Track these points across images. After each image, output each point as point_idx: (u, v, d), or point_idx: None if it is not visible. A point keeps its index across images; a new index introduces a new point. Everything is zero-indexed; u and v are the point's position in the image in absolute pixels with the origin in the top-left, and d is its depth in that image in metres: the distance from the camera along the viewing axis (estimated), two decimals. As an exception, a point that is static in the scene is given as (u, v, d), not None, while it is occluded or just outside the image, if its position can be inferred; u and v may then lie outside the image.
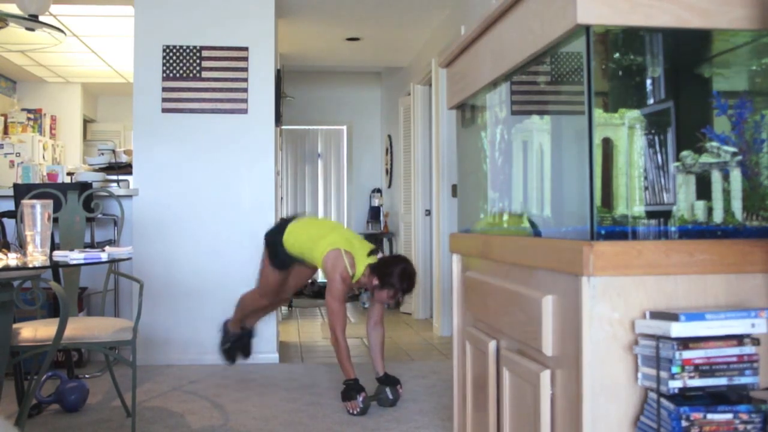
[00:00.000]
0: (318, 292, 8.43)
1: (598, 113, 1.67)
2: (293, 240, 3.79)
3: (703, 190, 1.71)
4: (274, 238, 3.86)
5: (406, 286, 3.61)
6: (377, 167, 9.29)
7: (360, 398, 3.57)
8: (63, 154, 9.04)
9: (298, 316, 7.31)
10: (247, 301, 4.15)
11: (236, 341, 4.23)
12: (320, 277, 8.07)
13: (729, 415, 1.43)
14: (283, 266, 3.90)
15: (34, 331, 3.05)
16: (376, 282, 3.62)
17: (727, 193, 1.69)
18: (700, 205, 1.71)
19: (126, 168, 5.57)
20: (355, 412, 3.55)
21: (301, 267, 3.98)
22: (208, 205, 4.94)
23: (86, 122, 9.75)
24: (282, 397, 3.95)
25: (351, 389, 3.60)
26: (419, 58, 7.21)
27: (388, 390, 3.73)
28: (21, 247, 3.32)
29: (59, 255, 2.92)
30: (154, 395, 4.00)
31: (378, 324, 3.87)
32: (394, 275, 3.58)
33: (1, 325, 2.67)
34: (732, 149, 1.68)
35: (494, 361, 2.12)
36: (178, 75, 4.92)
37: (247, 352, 4.30)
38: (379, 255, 3.74)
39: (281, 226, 3.90)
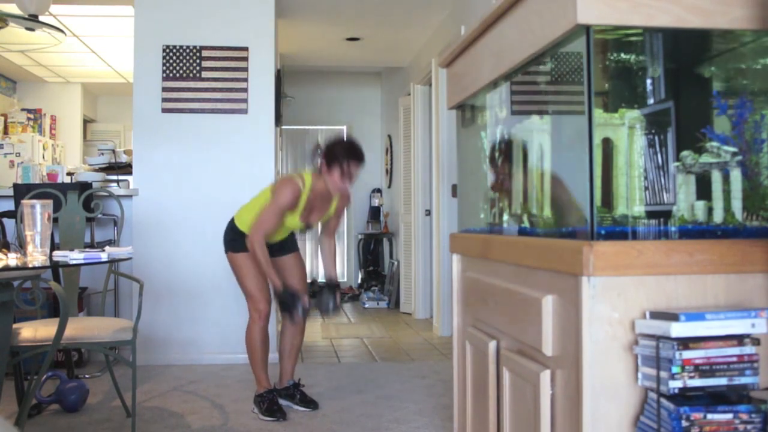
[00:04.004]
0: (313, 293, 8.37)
1: (598, 113, 1.67)
2: (244, 216, 3.59)
3: (703, 190, 1.71)
4: (231, 235, 3.63)
5: (352, 154, 3.46)
6: (377, 167, 9.29)
7: (300, 305, 3.46)
8: (63, 154, 9.04)
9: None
10: (252, 334, 3.63)
11: (275, 399, 3.61)
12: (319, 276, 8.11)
13: (729, 415, 1.43)
14: (246, 247, 3.59)
15: (34, 331, 3.05)
16: (324, 168, 3.47)
17: (727, 193, 1.69)
18: (700, 205, 1.71)
19: (126, 168, 5.57)
20: (300, 316, 3.50)
21: (283, 260, 3.74)
22: (208, 205, 4.94)
23: (86, 122, 9.75)
24: (282, 397, 3.95)
25: (286, 300, 3.45)
26: (419, 58, 7.21)
27: (330, 300, 3.63)
28: (21, 247, 3.32)
29: (59, 255, 2.92)
30: (154, 395, 4.00)
31: (331, 235, 3.82)
32: (339, 149, 3.45)
33: (1, 325, 2.67)
34: (732, 149, 1.68)
35: (494, 361, 2.12)
36: (178, 75, 4.92)
37: (307, 403, 3.72)
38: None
39: (229, 224, 3.68)
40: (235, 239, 3.61)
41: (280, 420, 3.49)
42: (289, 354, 3.79)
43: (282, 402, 3.66)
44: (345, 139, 3.61)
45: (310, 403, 3.69)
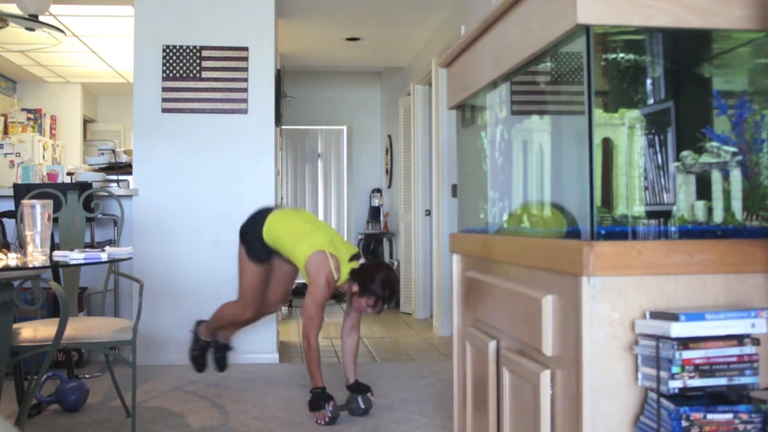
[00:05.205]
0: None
1: (598, 113, 1.67)
2: (274, 232, 3.61)
3: (703, 190, 1.71)
4: (251, 233, 3.66)
5: (387, 294, 3.43)
6: (377, 167, 9.29)
7: (328, 408, 3.40)
8: (63, 154, 9.04)
9: (298, 316, 7.30)
10: (227, 313, 3.93)
11: (206, 351, 4.05)
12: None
13: (729, 415, 1.43)
14: (260, 259, 3.69)
15: (34, 331, 3.05)
16: (356, 288, 3.46)
17: (727, 193, 1.69)
18: (700, 205, 1.71)
19: (126, 168, 5.57)
20: (323, 423, 3.39)
21: (281, 264, 3.78)
22: (208, 205, 4.94)
23: (86, 122, 9.74)
24: (282, 397, 3.95)
25: (319, 398, 3.43)
26: (419, 58, 7.21)
27: (360, 399, 3.57)
28: (21, 247, 3.32)
29: (59, 255, 2.92)
30: (154, 395, 4.00)
31: (354, 329, 3.71)
32: (376, 282, 3.41)
33: (1, 325, 2.67)
34: (732, 149, 1.68)
35: (494, 361, 2.12)
36: (178, 75, 4.92)
37: (222, 365, 4.11)
38: (361, 260, 3.57)
39: (258, 218, 3.68)
40: (253, 239, 3.67)
41: (195, 371, 4.05)
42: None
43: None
44: (388, 274, 3.48)
45: (218, 361, 4.10)
